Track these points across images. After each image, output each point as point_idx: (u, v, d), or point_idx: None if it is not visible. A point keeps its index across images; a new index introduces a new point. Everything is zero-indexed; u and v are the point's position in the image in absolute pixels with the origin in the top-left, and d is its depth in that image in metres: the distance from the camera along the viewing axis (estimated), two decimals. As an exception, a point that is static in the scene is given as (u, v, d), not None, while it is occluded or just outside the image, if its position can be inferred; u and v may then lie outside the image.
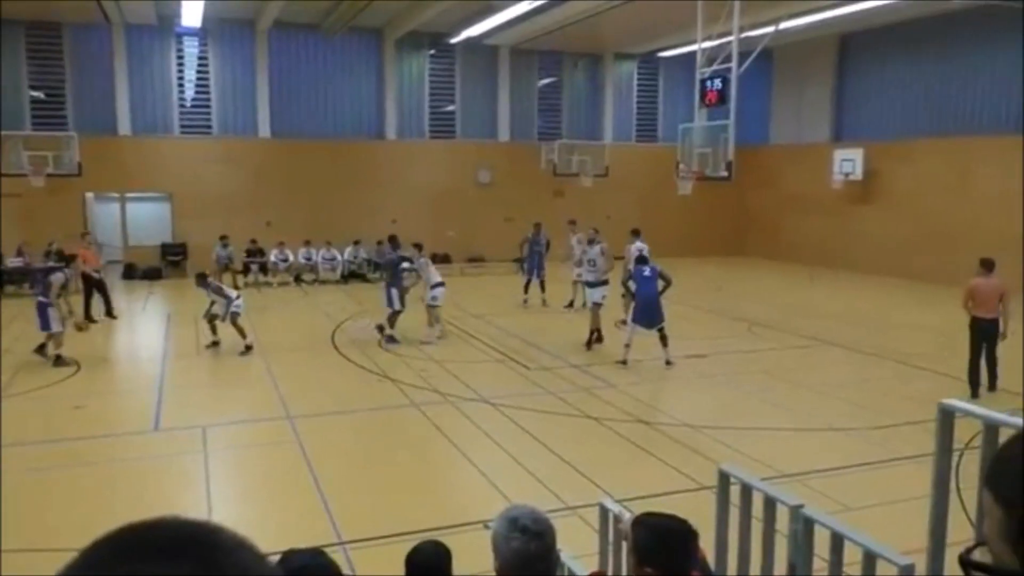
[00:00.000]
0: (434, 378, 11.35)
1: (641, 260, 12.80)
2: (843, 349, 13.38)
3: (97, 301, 16.04)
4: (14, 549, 5.95)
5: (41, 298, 12.27)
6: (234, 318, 13.03)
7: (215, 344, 13.27)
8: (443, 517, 6.43)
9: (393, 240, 14.80)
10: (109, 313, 16.11)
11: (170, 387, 11.18)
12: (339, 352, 13.15)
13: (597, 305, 13.51)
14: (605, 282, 13.87)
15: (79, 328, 12.90)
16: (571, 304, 16.71)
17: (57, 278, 12.41)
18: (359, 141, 23.86)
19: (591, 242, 14.11)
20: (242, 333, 12.94)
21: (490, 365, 12.42)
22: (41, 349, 12.41)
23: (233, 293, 13.51)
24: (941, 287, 17.47)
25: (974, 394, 10.35)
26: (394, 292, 13.70)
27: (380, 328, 13.79)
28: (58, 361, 12.01)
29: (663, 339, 12.03)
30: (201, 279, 13.43)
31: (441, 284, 13.93)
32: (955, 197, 20.26)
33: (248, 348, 12.91)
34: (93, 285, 16.12)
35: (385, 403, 10.24)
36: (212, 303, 13.29)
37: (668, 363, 11.98)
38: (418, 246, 14.44)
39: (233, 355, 12.87)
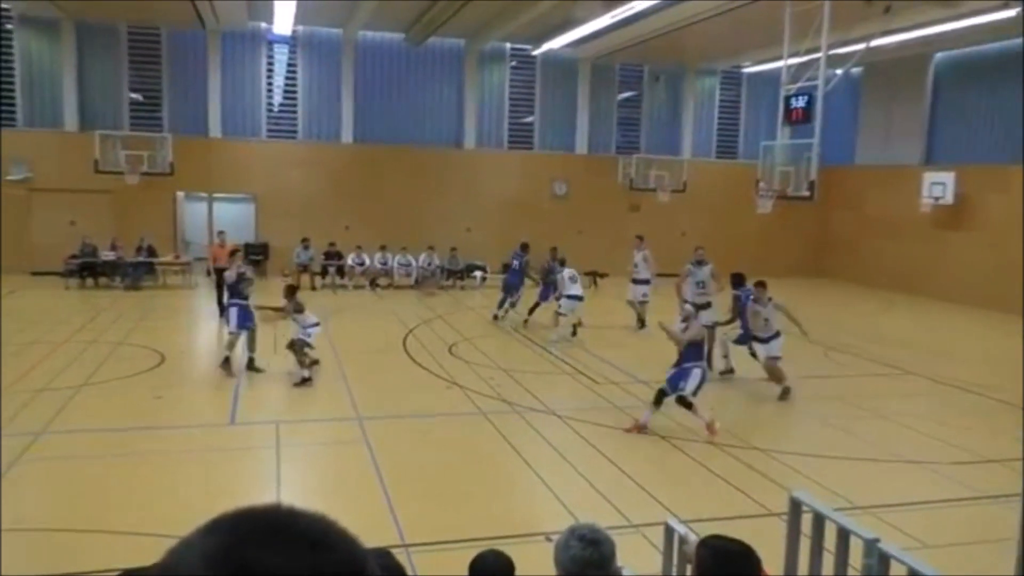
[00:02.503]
0: (502, 387, 11.40)
1: (738, 282, 12.31)
2: (923, 379, 12.91)
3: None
4: (84, 530, 6.22)
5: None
6: (300, 345, 11.45)
7: (316, 363, 11.80)
8: (506, 527, 6.45)
9: (525, 247, 17.00)
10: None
11: (248, 382, 11.52)
12: (410, 357, 13.33)
13: (712, 326, 12.36)
14: (710, 304, 12.95)
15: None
16: (642, 324, 15.77)
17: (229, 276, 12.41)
18: (438, 149, 24.20)
19: (699, 263, 13.44)
20: (302, 363, 11.39)
21: (558, 377, 12.41)
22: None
23: (312, 319, 11.74)
24: (1032, 319, 16.73)
25: None
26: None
27: (495, 313, 16.55)
28: (250, 364, 11.97)
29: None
30: (291, 293, 11.85)
31: (570, 297, 14.78)
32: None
33: (304, 380, 11.23)
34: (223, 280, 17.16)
35: (453, 409, 10.34)
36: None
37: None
38: (555, 253, 16.47)
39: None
